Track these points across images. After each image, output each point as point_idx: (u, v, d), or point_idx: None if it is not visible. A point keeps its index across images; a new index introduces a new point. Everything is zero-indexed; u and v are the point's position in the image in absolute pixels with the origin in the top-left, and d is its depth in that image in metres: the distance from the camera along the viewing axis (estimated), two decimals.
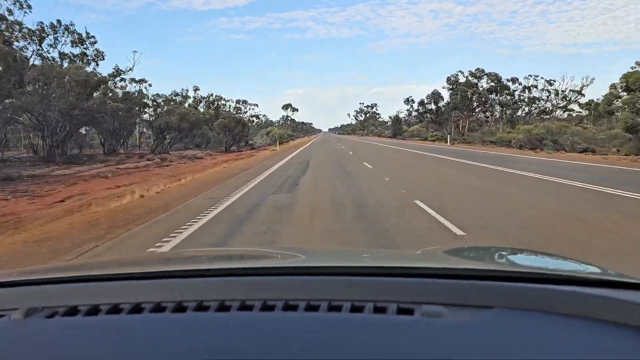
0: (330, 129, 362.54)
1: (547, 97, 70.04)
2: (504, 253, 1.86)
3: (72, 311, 1.02)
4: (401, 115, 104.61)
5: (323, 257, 1.74)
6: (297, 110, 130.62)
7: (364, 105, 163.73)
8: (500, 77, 70.87)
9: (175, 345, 0.88)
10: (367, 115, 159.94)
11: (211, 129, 58.85)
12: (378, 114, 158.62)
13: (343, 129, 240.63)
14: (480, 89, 69.12)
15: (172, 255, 2.88)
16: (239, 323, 0.94)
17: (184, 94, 65.57)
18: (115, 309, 1.02)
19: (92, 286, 1.20)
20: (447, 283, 1.07)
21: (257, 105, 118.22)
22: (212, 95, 71.68)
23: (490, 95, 68.78)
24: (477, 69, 71.36)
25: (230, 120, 56.48)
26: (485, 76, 70.19)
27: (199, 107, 66.43)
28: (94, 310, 1.02)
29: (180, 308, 1.01)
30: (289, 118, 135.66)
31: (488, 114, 70.62)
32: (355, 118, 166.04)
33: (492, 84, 69.53)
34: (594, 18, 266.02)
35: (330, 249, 3.38)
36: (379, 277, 1.12)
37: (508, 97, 70.84)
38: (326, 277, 1.14)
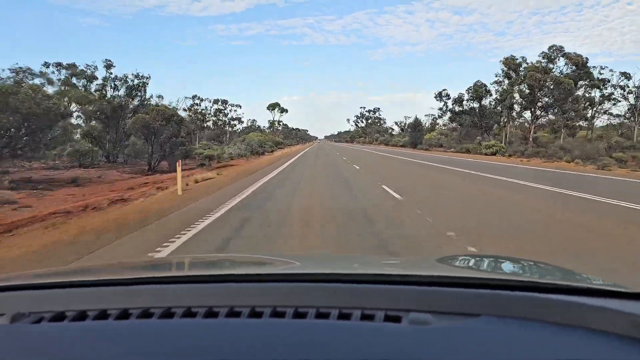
0: (326, 136, 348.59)
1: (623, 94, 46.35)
2: (493, 261, 1.85)
3: (59, 317, 1.03)
4: (425, 117, 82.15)
5: (313, 264, 1.72)
6: (286, 111, 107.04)
7: (365, 109, 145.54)
8: (586, 59, 46.69)
9: (162, 351, 0.88)
10: (369, 120, 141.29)
11: (127, 132, 34.17)
12: (381, 119, 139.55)
13: (340, 137, 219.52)
14: (558, 74, 45.00)
15: (161, 262, 2.86)
16: (226, 329, 0.94)
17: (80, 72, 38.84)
18: (102, 315, 1.02)
19: (80, 292, 1.19)
20: (435, 291, 1.07)
21: (239, 106, 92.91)
22: (138, 75, 40.47)
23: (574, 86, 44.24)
24: (552, 47, 47.00)
25: (156, 115, 31.05)
26: (562, 57, 46.18)
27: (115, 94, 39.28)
28: (81, 316, 1.02)
29: (168, 314, 1.01)
30: (280, 122, 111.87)
31: (572, 114, 45.66)
32: (356, 124, 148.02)
33: (572, 68, 45.79)
34: (590, 29, 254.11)
35: (322, 256, 3.14)
36: (367, 284, 1.12)
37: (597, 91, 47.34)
38: (314, 284, 1.13)
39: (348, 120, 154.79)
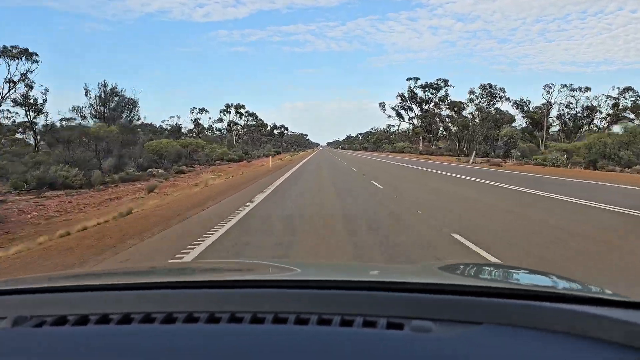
0: (329, 143, 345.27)
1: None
2: (494, 269, 1.90)
3: (61, 321, 1.02)
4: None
5: (316, 271, 1.73)
6: (255, 115, 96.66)
7: (419, 83, 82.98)
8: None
9: (163, 356, 0.88)
10: (429, 105, 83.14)
11: None
12: (456, 103, 73.21)
13: (350, 142, 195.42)
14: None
15: (164, 267, 2.85)
16: (228, 335, 0.94)
17: None
18: (104, 319, 1.02)
19: (81, 296, 1.19)
20: (437, 298, 1.07)
21: (206, 111, 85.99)
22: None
23: None
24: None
25: None
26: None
27: None
28: (82, 320, 1.02)
29: (169, 319, 1.00)
30: (251, 126, 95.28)
31: None
32: (399, 114, 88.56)
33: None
34: (593, 37, 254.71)
35: (324, 263, 3.17)
36: (370, 292, 1.11)
37: None
38: (317, 291, 1.13)
39: (382, 107, 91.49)
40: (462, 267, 1.90)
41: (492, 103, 62.15)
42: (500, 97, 61.94)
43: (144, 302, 1.11)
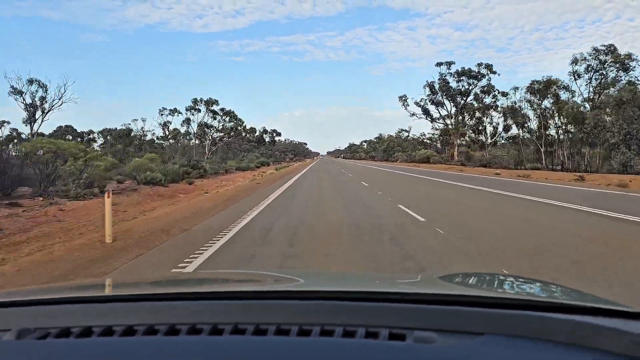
0: (329, 152, 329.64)
1: None
2: (495, 279, 1.86)
3: (65, 333, 1.03)
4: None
5: (317, 282, 1.71)
6: (233, 114, 68.53)
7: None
8: None
9: None
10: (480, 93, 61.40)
11: None
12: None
13: (353, 151, 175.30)
14: None
15: (167, 278, 2.84)
16: (231, 346, 0.94)
17: None
18: (108, 331, 1.02)
19: (85, 308, 1.18)
20: (439, 309, 1.07)
21: (178, 112, 67.13)
22: None
23: None
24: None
25: None
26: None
27: None
28: (86, 332, 1.03)
29: (173, 331, 1.01)
30: (230, 129, 68.17)
31: None
32: (429, 113, 66.01)
33: None
34: (591, 45, 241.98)
35: (326, 274, 3.12)
36: (372, 302, 1.12)
37: None
38: (319, 302, 1.13)
39: (403, 101, 65.37)
40: (462, 277, 1.86)
41: (616, 79, 39.09)
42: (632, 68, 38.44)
43: (147, 314, 1.12)
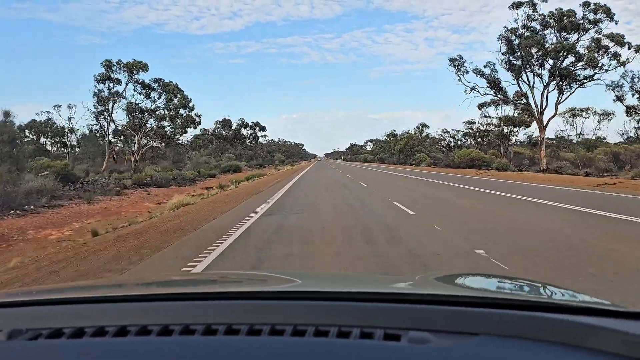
0: (327, 154, 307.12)
1: None
2: (491, 280, 1.88)
3: (57, 333, 1.02)
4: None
5: (312, 282, 1.70)
6: (171, 91, 41.47)
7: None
8: None
9: None
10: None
11: None
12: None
13: (355, 152, 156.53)
14: None
15: (161, 279, 2.76)
16: (225, 347, 0.94)
17: None
18: (100, 332, 1.02)
19: (77, 308, 1.18)
20: (434, 309, 1.07)
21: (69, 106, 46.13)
22: None
23: None
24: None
25: None
26: None
27: None
28: (78, 333, 1.02)
29: (166, 331, 1.00)
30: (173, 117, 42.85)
31: None
32: (500, 87, 40.30)
33: None
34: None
35: (322, 274, 3.21)
36: (367, 303, 1.12)
37: None
38: (313, 302, 1.14)
39: (457, 67, 39.37)
40: (458, 277, 1.86)
41: None
42: None
43: (139, 315, 1.11)
